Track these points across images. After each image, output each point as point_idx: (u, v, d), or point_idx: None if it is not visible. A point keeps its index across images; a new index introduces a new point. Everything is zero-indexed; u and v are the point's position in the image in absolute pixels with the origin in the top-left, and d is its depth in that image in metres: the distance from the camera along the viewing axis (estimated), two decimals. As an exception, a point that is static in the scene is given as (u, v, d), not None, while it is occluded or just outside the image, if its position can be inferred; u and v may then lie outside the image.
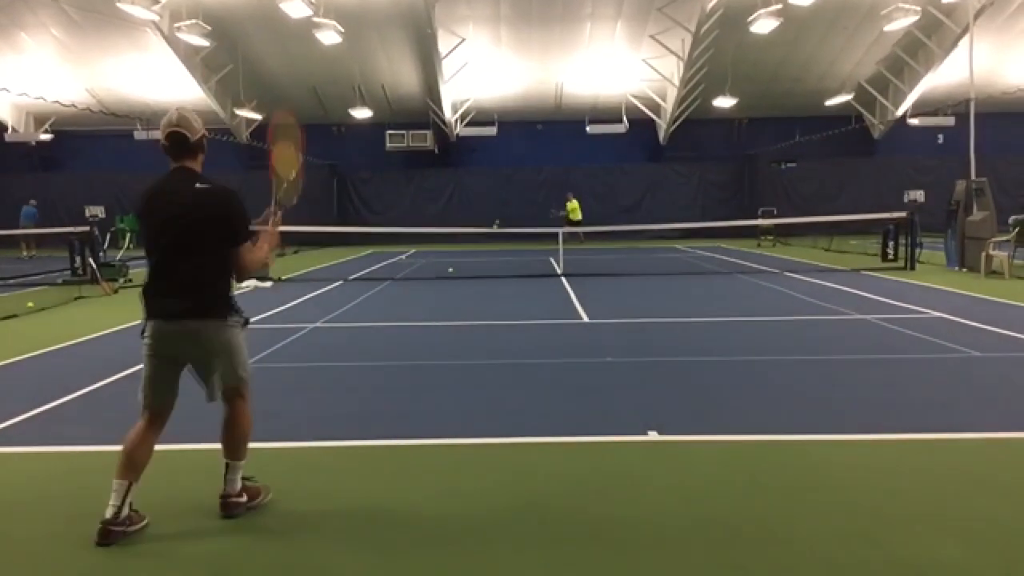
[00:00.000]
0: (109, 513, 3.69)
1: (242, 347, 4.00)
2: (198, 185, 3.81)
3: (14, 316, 11.50)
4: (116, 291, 14.64)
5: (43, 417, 6.00)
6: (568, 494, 4.27)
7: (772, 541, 3.65)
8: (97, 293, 14.19)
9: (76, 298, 13.53)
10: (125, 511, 3.73)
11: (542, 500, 4.17)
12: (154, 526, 3.88)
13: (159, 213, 3.81)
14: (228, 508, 4.00)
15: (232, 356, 3.94)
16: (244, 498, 4.06)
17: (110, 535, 3.68)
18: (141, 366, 3.93)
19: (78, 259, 16.49)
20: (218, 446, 4.10)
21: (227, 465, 4.04)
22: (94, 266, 15.67)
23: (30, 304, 12.49)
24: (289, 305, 12.48)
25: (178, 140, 3.84)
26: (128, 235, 26.82)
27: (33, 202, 27.48)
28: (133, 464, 3.79)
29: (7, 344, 9.13)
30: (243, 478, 4.11)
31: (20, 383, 7.29)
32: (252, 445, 5.21)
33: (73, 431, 5.66)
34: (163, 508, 4.07)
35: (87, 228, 16.98)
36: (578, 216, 28.60)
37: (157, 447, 3.99)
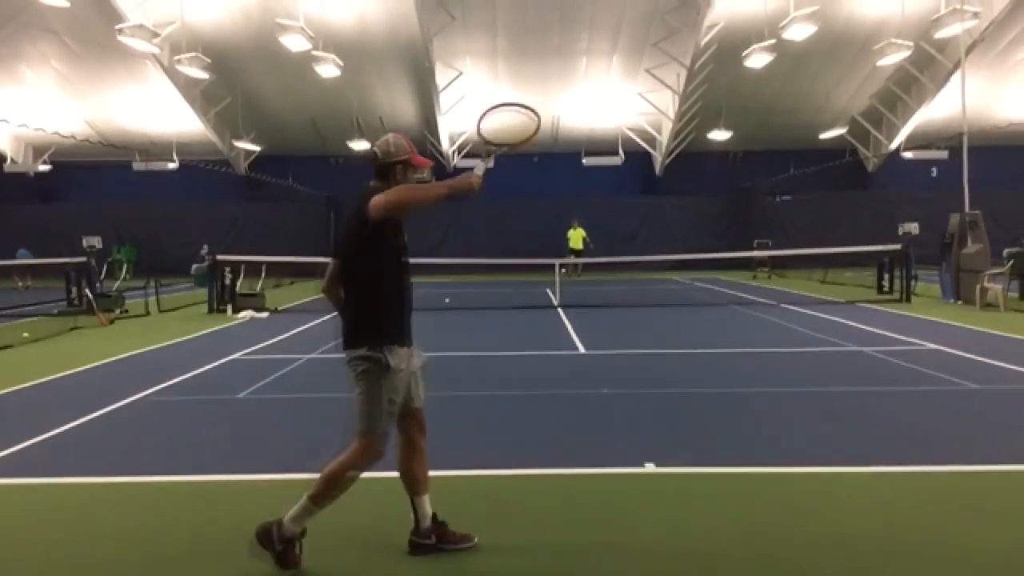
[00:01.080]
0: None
1: None
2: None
3: (9, 347, 11.46)
4: (112, 322, 14.61)
5: (38, 448, 5.96)
6: (563, 526, 4.24)
7: (769, 574, 3.62)
8: (93, 324, 14.16)
9: (72, 329, 13.49)
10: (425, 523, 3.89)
11: (538, 531, 4.14)
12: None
13: (342, 231, 3.93)
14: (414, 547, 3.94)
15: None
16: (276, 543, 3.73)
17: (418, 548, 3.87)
18: (361, 395, 3.77)
19: (74, 289, 16.47)
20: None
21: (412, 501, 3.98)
22: (90, 296, 15.65)
23: (25, 334, 12.45)
24: (285, 336, 12.46)
25: (371, 158, 3.95)
26: (125, 266, 26.89)
27: (23, 251, 27.32)
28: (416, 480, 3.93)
29: (2, 374, 9.08)
30: (289, 539, 3.77)
31: (15, 414, 7.25)
32: (247, 477, 5.22)
33: (68, 462, 5.62)
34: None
35: (83, 259, 16.99)
36: (579, 246, 28.35)
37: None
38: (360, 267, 3.75)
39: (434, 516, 3.92)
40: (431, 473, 5.21)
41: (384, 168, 3.89)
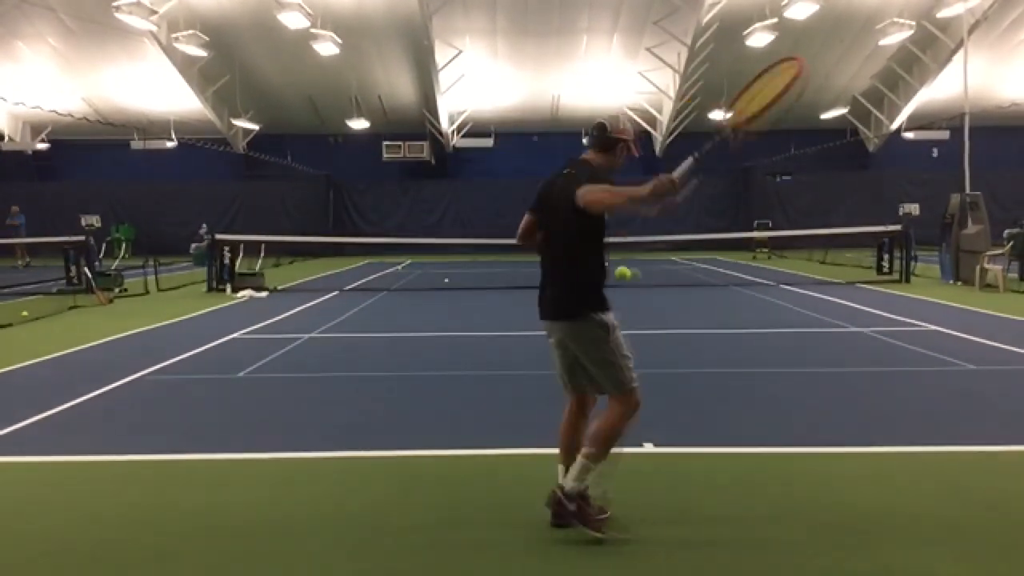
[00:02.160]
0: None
1: None
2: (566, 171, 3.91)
3: (9, 325, 11.46)
4: (111, 301, 14.60)
5: (37, 426, 5.97)
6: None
7: (767, 552, 3.64)
8: (92, 303, 14.15)
9: (71, 307, 13.49)
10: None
11: (537, 511, 4.15)
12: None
13: (552, 200, 3.93)
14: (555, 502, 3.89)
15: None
16: (573, 506, 3.82)
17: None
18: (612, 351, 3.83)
19: (73, 268, 16.45)
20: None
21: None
22: (89, 275, 15.64)
23: (24, 313, 12.45)
24: (284, 315, 12.46)
25: (597, 127, 3.96)
26: (124, 245, 26.90)
27: (16, 208, 27.42)
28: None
29: (1, 352, 9.09)
30: (586, 496, 3.87)
31: (14, 392, 7.26)
32: (247, 455, 5.23)
33: (68, 441, 5.63)
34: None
35: (82, 237, 16.96)
36: None
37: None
38: (573, 242, 3.84)
39: (562, 488, 3.92)
40: (426, 452, 5.25)
41: (609, 142, 3.94)
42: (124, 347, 9.65)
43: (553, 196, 3.88)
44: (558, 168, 4.00)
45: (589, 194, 3.63)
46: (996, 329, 9.97)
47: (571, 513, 3.79)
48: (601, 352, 3.79)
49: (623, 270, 4.64)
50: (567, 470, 3.90)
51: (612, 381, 3.82)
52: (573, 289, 3.85)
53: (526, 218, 4.14)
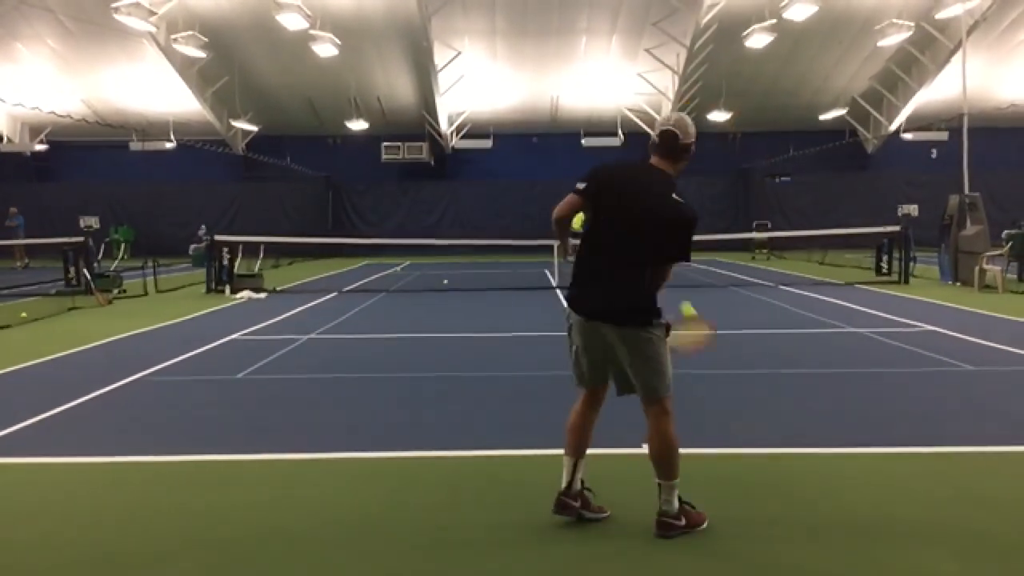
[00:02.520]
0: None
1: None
2: (674, 196, 3.83)
3: (7, 326, 11.45)
4: (110, 302, 14.59)
5: (36, 428, 5.97)
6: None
7: (765, 554, 3.64)
8: (91, 304, 14.14)
9: (70, 309, 13.48)
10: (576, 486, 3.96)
11: (537, 511, 4.15)
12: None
13: (635, 206, 3.82)
14: (659, 526, 3.83)
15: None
16: (682, 521, 3.85)
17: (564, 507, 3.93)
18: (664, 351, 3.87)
19: (72, 269, 16.44)
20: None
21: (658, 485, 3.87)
22: (88, 277, 15.63)
23: (23, 314, 12.44)
24: (283, 316, 12.46)
25: (668, 137, 3.92)
26: (123, 246, 26.88)
27: (14, 209, 27.45)
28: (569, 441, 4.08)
29: (0, 354, 9.08)
30: (683, 502, 3.90)
31: (13, 394, 7.25)
32: (245, 457, 5.23)
33: (66, 442, 5.62)
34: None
35: (81, 238, 16.95)
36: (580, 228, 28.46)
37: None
38: (657, 253, 3.82)
39: (582, 482, 4.01)
40: (426, 453, 5.24)
41: (682, 150, 3.94)
42: (123, 348, 9.64)
43: (640, 197, 3.82)
44: (623, 160, 4.01)
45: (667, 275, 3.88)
46: (995, 330, 9.97)
47: (682, 527, 3.82)
48: (658, 356, 3.81)
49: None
50: (574, 465, 3.96)
51: (662, 384, 3.83)
52: (644, 295, 3.81)
53: (575, 200, 4.00)
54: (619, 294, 3.78)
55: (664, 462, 3.84)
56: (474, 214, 32.19)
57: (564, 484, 3.95)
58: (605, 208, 3.87)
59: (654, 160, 3.95)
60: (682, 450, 5.22)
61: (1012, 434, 5.50)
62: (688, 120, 3.98)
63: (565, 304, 4.08)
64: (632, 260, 3.78)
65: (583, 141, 30.97)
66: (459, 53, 24.90)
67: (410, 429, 5.91)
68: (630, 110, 29.70)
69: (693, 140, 3.97)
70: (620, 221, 3.81)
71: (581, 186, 3.94)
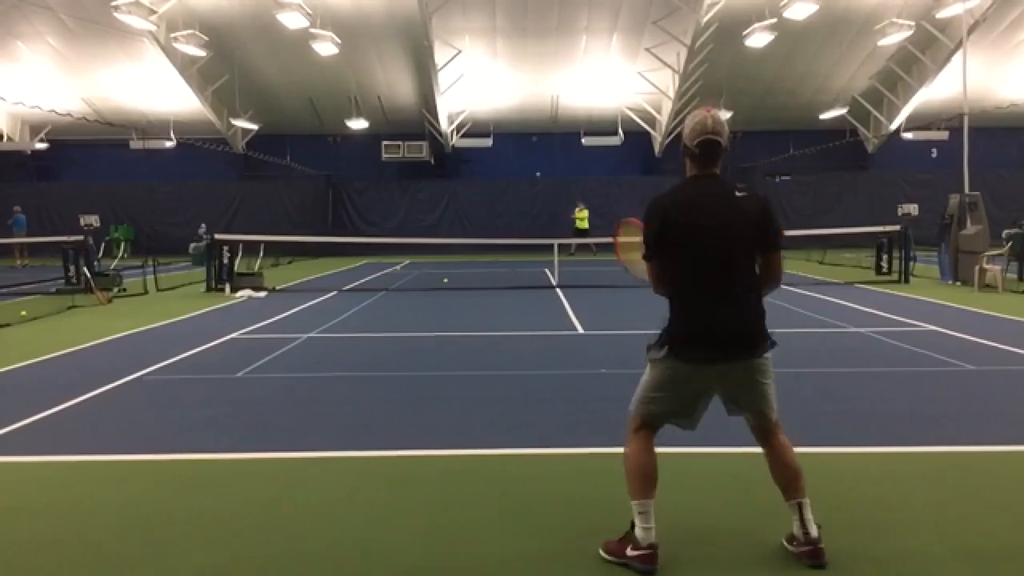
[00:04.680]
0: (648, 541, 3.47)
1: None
2: (739, 193, 3.55)
3: (7, 325, 11.46)
4: (110, 301, 14.59)
5: (35, 427, 5.97)
6: (562, 505, 4.25)
7: (766, 554, 3.64)
8: (91, 302, 14.14)
9: (70, 307, 13.48)
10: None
11: (535, 511, 4.15)
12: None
13: (711, 220, 3.47)
14: (815, 556, 3.48)
15: None
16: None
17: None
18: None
19: (72, 268, 16.44)
20: None
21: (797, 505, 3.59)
22: (88, 275, 15.63)
23: (23, 313, 12.44)
24: (283, 315, 12.45)
25: (713, 146, 3.51)
26: (123, 244, 26.86)
27: (18, 208, 27.50)
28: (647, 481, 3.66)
29: (0, 353, 9.08)
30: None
31: (12, 392, 7.25)
32: (245, 456, 5.23)
33: (66, 441, 5.62)
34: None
35: (81, 237, 16.94)
36: (586, 225, 28.52)
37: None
38: (751, 264, 3.57)
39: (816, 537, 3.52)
40: (425, 452, 5.24)
41: (720, 153, 3.57)
42: (123, 347, 9.64)
43: (736, 220, 3.50)
44: (685, 185, 3.61)
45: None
46: (995, 329, 9.97)
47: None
48: (771, 375, 3.63)
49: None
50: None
51: (775, 403, 3.67)
52: (762, 319, 3.58)
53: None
54: (752, 321, 3.56)
55: (800, 476, 3.65)
56: (474, 213, 32.18)
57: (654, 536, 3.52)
58: (712, 240, 3.51)
59: (717, 171, 3.59)
60: (682, 449, 5.25)
61: (1013, 434, 5.50)
62: (721, 118, 3.57)
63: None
64: (749, 283, 3.58)
65: (583, 140, 30.96)
66: (459, 52, 24.88)
67: (410, 428, 5.91)
68: (630, 109, 29.69)
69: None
70: (729, 247, 3.51)
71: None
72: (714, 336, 3.49)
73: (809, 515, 3.52)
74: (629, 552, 3.46)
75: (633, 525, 3.52)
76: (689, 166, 3.61)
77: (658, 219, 3.54)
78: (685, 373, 3.58)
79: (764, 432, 3.72)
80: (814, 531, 3.48)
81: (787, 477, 3.64)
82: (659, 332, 3.66)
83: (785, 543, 3.61)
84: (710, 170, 3.56)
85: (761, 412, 3.65)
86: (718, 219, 3.47)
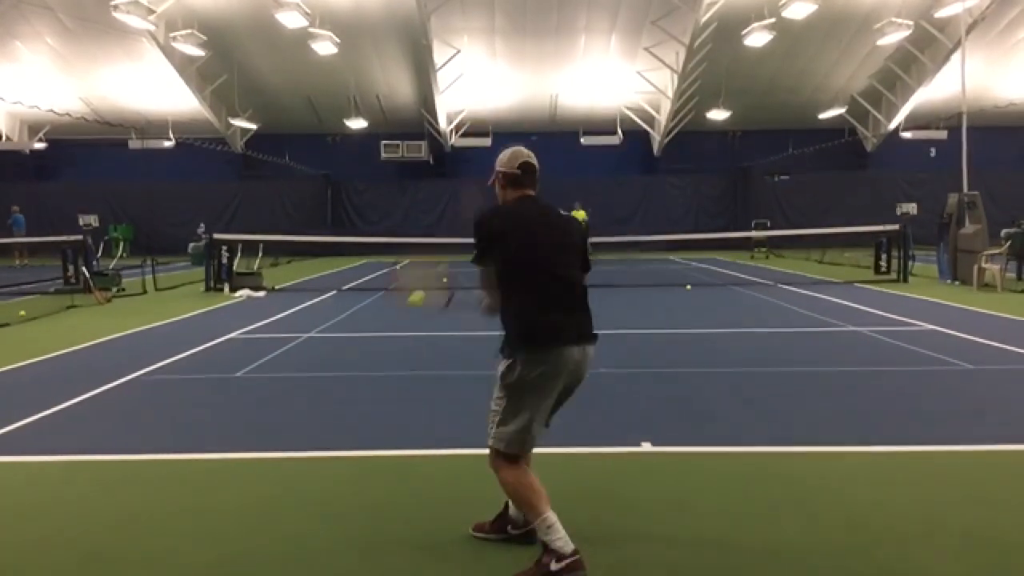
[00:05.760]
0: (570, 546, 3.40)
1: None
2: (562, 212, 3.83)
3: (6, 325, 11.45)
4: (109, 300, 14.59)
5: (35, 426, 5.96)
6: (561, 505, 4.24)
7: (764, 553, 3.64)
8: (90, 302, 14.14)
9: (69, 307, 13.48)
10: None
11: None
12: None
13: (546, 235, 3.64)
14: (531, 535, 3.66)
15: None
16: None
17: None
18: (508, 402, 3.55)
19: (71, 268, 16.43)
20: None
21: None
22: (87, 275, 15.63)
23: (22, 312, 12.43)
24: (282, 315, 12.45)
25: (532, 169, 3.78)
26: (122, 244, 26.87)
27: (16, 208, 27.50)
28: (540, 494, 3.51)
29: (-2, 353, 9.09)
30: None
31: (12, 392, 7.24)
32: (244, 456, 5.23)
33: (66, 440, 5.62)
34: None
35: (80, 237, 16.94)
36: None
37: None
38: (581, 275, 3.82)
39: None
40: (425, 452, 5.24)
41: (536, 176, 3.90)
42: (122, 347, 9.64)
43: (569, 231, 3.77)
44: (515, 202, 3.76)
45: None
46: (994, 328, 9.97)
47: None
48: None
49: (415, 297, 4.54)
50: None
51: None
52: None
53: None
54: (587, 315, 3.68)
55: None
56: (473, 213, 32.13)
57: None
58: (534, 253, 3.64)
59: (527, 192, 3.78)
60: (683, 448, 5.26)
61: (1012, 433, 5.51)
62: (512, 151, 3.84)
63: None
64: (580, 283, 3.73)
65: (582, 140, 30.97)
66: (458, 51, 24.89)
67: (410, 427, 5.92)
68: (629, 109, 29.70)
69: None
70: (562, 254, 3.68)
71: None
72: (570, 321, 3.60)
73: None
74: (554, 567, 3.36)
75: (544, 545, 3.43)
76: (508, 192, 3.78)
77: (489, 232, 3.65)
78: (576, 351, 3.56)
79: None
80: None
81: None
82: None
83: (495, 531, 3.80)
84: (532, 191, 3.77)
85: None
86: (558, 234, 3.67)
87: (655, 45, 24.56)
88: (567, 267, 3.63)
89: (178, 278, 18.32)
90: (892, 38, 22.35)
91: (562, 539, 3.40)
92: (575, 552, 3.37)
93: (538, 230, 3.64)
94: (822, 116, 29.65)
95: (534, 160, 3.81)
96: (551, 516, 3.45)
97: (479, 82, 27.65)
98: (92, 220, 28.63)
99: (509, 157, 3.79)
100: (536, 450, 5.17)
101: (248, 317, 12.04)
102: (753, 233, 26.06)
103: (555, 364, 3.47)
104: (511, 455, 3.54)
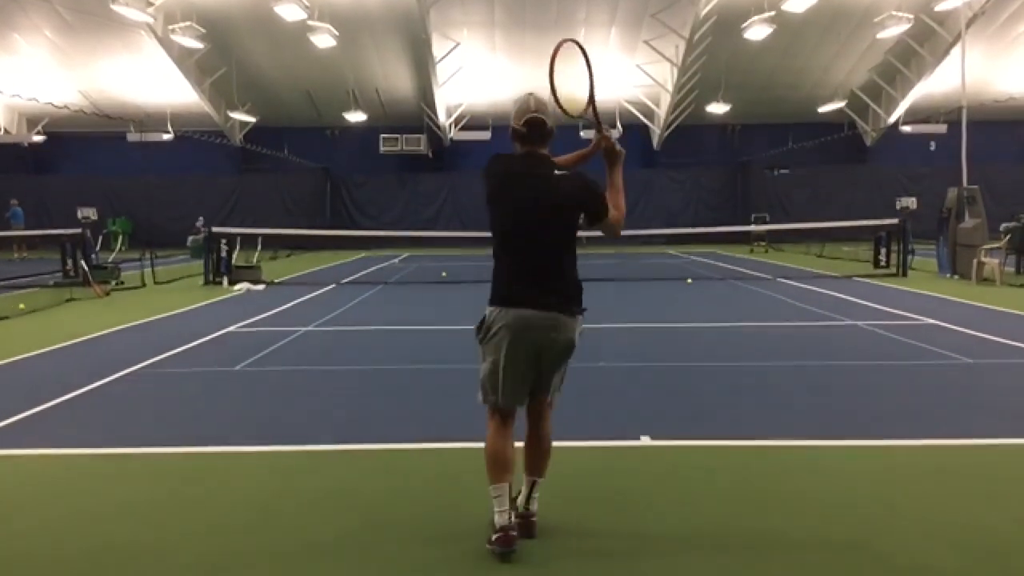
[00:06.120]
0: (506, 519, 3.50)
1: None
2: (557, 172, 3.72)
3: (5, 318, 11.44)
4: (108, 293, 14.58)
5: (33, 419, 5.96)
6: (560, 499, 4.25)
7: (763, 547, 3.64)
8: (89, 295, 14.13)
9: (67, 300, 13.47)
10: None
11: (538, 507, 4.15)
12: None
13: (519, 195, 3.65)
14: (531, 528, 3.71)
15: (567, 362, 3.76)
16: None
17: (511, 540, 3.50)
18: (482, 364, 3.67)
19: (70, 261, 16.42)
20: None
21: (532, 483, 3.78)
22: (86, 268, 15.62)
23: (21, 306, 12.42)
24: (282, 308, 12.44)
25: (538, 126, 3.75)
26: (120, 237, 26.85)
27: (15, 201, 27.50)
28: (502, 465, 3.59)
29: (-3, 346, 9.08)
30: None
31: (10, 385, 7.24)
32: (243, 449, 5.23)
33: (65, 433, 5.62)
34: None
35: (79, 230, 16.92)
36: None
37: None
38: (571, 237, 3.76)
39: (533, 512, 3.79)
40: (425, 445, 5.24)
41: (551, 131, 3.88)
42: (120, 340, 9.64)
43: (553, 192, 3.65)
44: (533, 165, 3.74)
45: (618, 209, 3.76)
46: (993, 323, 9.98)
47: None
48: (571, 354, 3.72)
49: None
50: (514, 489, 3.67)
51: (560, 383, 3.80)
52: (577, 285, 3.69)
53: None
54: (564, 284, 3.68)
55: (547, 458, 3.81)
56: (472, 206, 32.11)
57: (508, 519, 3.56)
58: (506, 216, 3.77)
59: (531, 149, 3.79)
60: (679, 442, 5.27)
61: (1012, 426, 5.51)
62: (543, 98, 3.86)
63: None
64: (562, 250, 3.70)
65: (581, 133, 30.74)
66: (457, 44, 24.84)
67: (409, 420, 5.92)
68: (628, 102, 29.65)
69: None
70: (536, 217, 3.66)
71: None
72: (536, 290, 3.58)
73: (536, 494, 3.75)
74: (491, 538, 3.52)
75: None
76: (516, 146, 3.80)
77: (493, 188, 3.74)
78: (534, 316, 3.57)
79: (543, 406, 3.82)
80: (535, 507, 3.74)
81: (541, 457, 3.79)
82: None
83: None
84: (536, 148, 3.75)
85: (539, 387, 3.74)
86: (529, 195, 3.62)
87: (655, 38, 24.52)
88: (539, 231, 3.59)
89: (177, 271, 18.31)
90: (892, 32, 22.34)
91: (500, 512, 3.51)
92: (504, 528, 3.48)
93: (516, 191, 3.65)
94: (822, 110, 29.62)
95: (544, 115, 3.73)
96: (502, 488, 3.54)
97: (478, 75, 27.59)
98: (91, 213, 28.58)
99: (517, 111, 3.77)
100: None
101: (247, 310, 12.04)
102: (753, 227, 26.05)
103: (512, 327, 3.54)
104: (492, 410, 3.68)
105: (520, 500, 3.77)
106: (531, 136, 3.73)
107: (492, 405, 3.67)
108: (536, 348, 3.59)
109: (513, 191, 3.67)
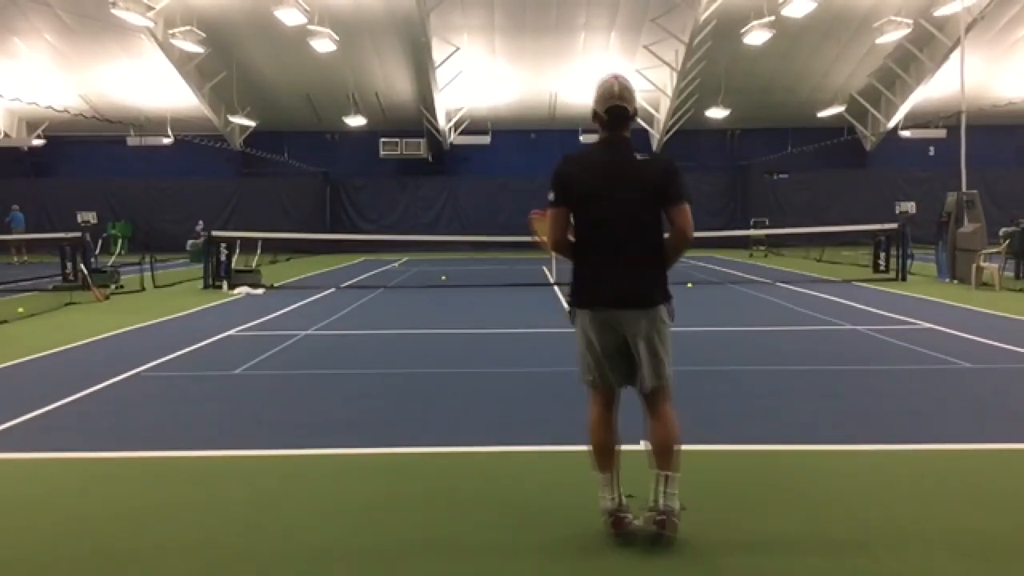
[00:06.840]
0: (609, 504, 3.70)
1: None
2: (640, 156, 3.73)
3: (5, 322, 11.44)
4: (108, 297, 14.58)
5: (33, 423, 5.96)
6: (558, 504, 4.25)
7: (761, 553, 3.64)
8: (88, 299, 14.13)
9: (67, 304, 13.47)
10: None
11: (532, 510, 4.15)
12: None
13: (608, 183, 3.65)
14: (662, 525, 3.64)
15: (661, 350, 3.74)
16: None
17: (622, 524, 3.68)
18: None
19: (69, 265, 16.43)
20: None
21: (657, 476, 3.74)
22: (85, 272, 15.62)
23: (20, 310, 12.42)
24: (281, 312, 12.45)
25: (621, 115, 3.74)
26: (120, 241, 26.86)
27: (15, 205, 27.54)
28: (600, 452, 3.78)
29: (-3, 350, 9.08)
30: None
31: (10, 389, 7.24)
32: (242, 452, 5.23)
33: (63, 438, 5.62)
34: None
35: (79, 234, 16.93)
36: None
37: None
38: (655, 226, 3.76)
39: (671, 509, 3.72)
40: (424, 449, 5.24)
41: (627, 118, 3.84)
42: (120, 344, 9.64)
43: (635, 180, 3.66)
44: (615, 152, 3.73)
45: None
46: (992, 327, 9.98)
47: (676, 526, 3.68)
48: (666, 341, 3.73)
49: None
50: (615, 478, 3.76)
51: (665, 370, 3.75)
52: (660, 275, 3.71)
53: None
54: (641, 276, 3.70)
55: (672, 451, 3.75)
56: (472, 210, 32.17)
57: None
58: (603, 199, 3.73)
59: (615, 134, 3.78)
60: (682, 447, 5.25)
61: (1010, 431, 5.51)
62: (627, 83, 3.80)
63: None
64: (641, 239, 3.69)
65: (581, 138, 30.92)
66: (457, 49, 24.87)
67: (408, 425, 5.91)
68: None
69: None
70: (619, 204, 3.67)
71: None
72: (610, 284, 3.66)
73: (673, 489, 3.69)
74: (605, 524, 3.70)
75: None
76: (600, 131, 3.79)
77: (561, 178, 3.73)
78: (613, 314, 3.67)
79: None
80: (662, 503, 3.66)
81: (661, 449, 3.76)
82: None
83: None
84: (618, 134, 3.76)
85: (630, 375, 3.81)
86: (615, 181, 3.65)
87: (654, 43, 24.56)
88: (620, 221, 3.64)
89: (177, 275, 18.32)
90: (891, 36, 22.37)
91: (605, 498, 3.72)
92: (612, 512, 3.69)
93: (596, 182, 3.67)
94: (821, 114, 29.66)
95: (626, 102, 3.72)
96: (603, 476, 3.75)
97: (478, 80, 27.63)
98: (90, 217, 28.62)
99: (600, 94, 3.75)
100: (536, 448, 5.22)
101: (247, 314, 12.04)
102: (752, 231, 26.06)
103: (590, 322, 3.71)
104: (593, 390, 3.87)
105: (650, 495, 3.74)
106: (612, 123, 3.75)
107: (589, 386, 3.84)
108: (622, 339, 3.70)
109: (600, 181, 3.68)
